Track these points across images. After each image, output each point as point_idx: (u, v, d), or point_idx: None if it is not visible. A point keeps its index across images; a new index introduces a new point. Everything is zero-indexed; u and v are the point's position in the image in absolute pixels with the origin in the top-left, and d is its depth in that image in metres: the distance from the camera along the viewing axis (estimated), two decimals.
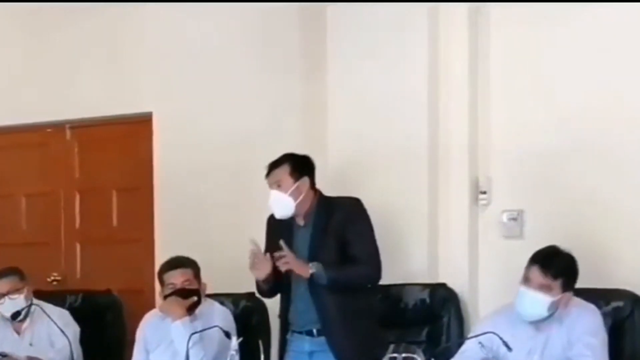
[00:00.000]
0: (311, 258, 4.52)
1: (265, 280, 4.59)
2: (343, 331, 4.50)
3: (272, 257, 4.52)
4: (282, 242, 4.47)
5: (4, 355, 5.13)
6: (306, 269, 4.45)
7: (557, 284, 4.05)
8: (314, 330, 4.57)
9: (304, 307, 4.56)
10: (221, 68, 6.02)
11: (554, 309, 4.07)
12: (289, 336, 4.66)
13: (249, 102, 5.92)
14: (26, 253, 6.43)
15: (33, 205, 6.89)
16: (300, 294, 4.58)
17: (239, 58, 5.98)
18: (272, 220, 4.74)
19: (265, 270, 4.54)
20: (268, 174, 4.66)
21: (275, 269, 4.55)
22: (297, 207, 4.59)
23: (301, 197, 4.59)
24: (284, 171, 4.62)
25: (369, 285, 4.62)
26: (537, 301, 4.06)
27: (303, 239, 4.60)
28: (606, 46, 4.93)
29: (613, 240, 4.87)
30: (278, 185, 4.60)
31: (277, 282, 4.63)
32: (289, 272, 4.54)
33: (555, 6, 5.03)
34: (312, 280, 4.47)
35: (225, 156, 5.97)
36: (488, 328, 4.04)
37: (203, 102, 6.07)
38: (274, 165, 4.66)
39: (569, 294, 4.11)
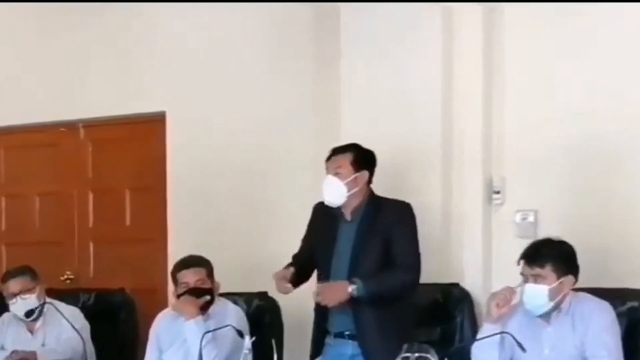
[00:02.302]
0: (354, 256, 4.48)
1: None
2: (377, 335, 4.43)
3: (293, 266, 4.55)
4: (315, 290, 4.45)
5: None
6: (345, 292, 4.36)
7: (547, 272, 4.05)
8: (355, 332, 4.51)
9: (341, 308, 4.47)
10: (234, 67, 6.02)
11: (556, 296, 4.06)
12: (329, 340, 4.58)
13: (262, 101, 5.92)
14: (40, 252, 6.46)
15: (46, 204, 6.92)
16: None
17: (252, 57, 5.98)
18: (318, 209, 4.70)
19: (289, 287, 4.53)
20: (329, 159, 4.59)
21: (298, 273, 4.56)
22: (349, 198, 4.53)
23: (356, 190, 4.53)
24: (346, 159, 4.55)
25: (408, 291, 4.53)
26: (535, 293, 4.06)
27: (348, 235, 4.55)
28: (621, 44, 4.92)
29: (628, 239, 4.86)
30: (336, 173, 4.53)
31: (301, 272, 4.61)
32: (325, 272, 4.53)
33: (569, 4, 5.01)
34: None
35: (238, 156, 5.98)
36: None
37: (216, 102, 6.08)
38: (337, 151, 4.60)
39: (568, 279, 4.08)
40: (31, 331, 5.26)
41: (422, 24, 5.29)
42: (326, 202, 4.59)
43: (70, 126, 6.77)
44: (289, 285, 4.52)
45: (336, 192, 4.53)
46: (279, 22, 5.89)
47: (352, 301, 4.40)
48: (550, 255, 4.08)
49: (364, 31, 5.41)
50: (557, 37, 5.09)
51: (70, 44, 6.62)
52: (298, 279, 4.59)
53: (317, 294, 4.42)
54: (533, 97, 5.16)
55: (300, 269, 4.61)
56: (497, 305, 4.09)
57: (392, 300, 4.44)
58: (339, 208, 4.59)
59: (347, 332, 4.52)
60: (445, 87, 5.28)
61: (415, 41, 5.30)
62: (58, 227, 6.85)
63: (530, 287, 4.07)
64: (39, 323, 5.24)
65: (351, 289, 4.36)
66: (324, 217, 4.64)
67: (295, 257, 4.71)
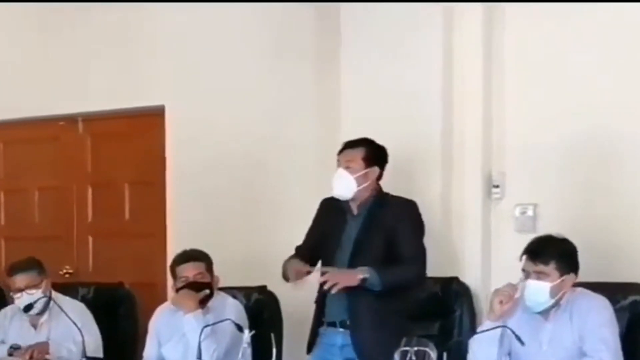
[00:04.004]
0: (355, 249, 4.52)
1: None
2: (369, 327, 4.47)
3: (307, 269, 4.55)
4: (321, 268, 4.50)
5: (17, 347, 5.07)
6: (354, 278, 4.38)
7: (550, 269, 4.05)
8: (347, 321, 4.54)
9: (337, 296, 4.48)
10: (234, 66, 6.01)
11: (557, 294, 4.07)
12: (322, 329, 4.63)
13: (262, 98, 5.92)
14: (39, 246, 6.43)
15: (46, 198, 6.92)
16: None
17: (252, 56, 5.96)
18: (326, 204, 4.74)
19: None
20: (341, 152, 4.63)
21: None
22: (358, 193, 4.57)
23: (365, 185, 4.57)
24: (358, 153, 4.59)
25: (414, 284, 4.56)
26: (537, 290, 4.06)
27: (353, 228, 4.59)
28: (620, 40, 4.92)
29: (629, 233, 4.86)
30: (347, 166, 4.57)
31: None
32: (327, 264, 4.56)
33: (569, 3, 5.01)
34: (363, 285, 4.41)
35: (238, 150, 5.97)
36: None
37: (216, 96, 6.07)
38: (349, 145, 4.63)
39: (569, 277, 4.09)
40: (34, 326, 5.19)
41: (423, 23, 5.29)
42: (335, 195, 4.62)
43: (70, 120, 6.77)
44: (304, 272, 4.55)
45: (346, 185, 4.57)
46: (279, 21, 5.88)
47: (351, 290, 4.41)
48: (555, 253, 4.08)
49: (364, 31, 5.42)
50: (558, 35, 5.09)
51: (69, 38, 6.61)
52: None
53: (323, 275, 4.43)
54: (533, 92, 5.16)
55: (303, 260, 4.63)
56: (500, 302, 4.08)
57: (396, 292, 4.46)
58: (346, 202, 4.63)
59: (339, 320, 4.55)
60: (446, 84, 5.29)
61: (416, 40, 5.31)
62: (57, 222, 6.85)
63: (532, 283, 4.07)
64: (43, 318, 5.17)
65: (362, 276, 4.38)
66: (331, 211, 4.68)
67: (298, 248, 4.74)
